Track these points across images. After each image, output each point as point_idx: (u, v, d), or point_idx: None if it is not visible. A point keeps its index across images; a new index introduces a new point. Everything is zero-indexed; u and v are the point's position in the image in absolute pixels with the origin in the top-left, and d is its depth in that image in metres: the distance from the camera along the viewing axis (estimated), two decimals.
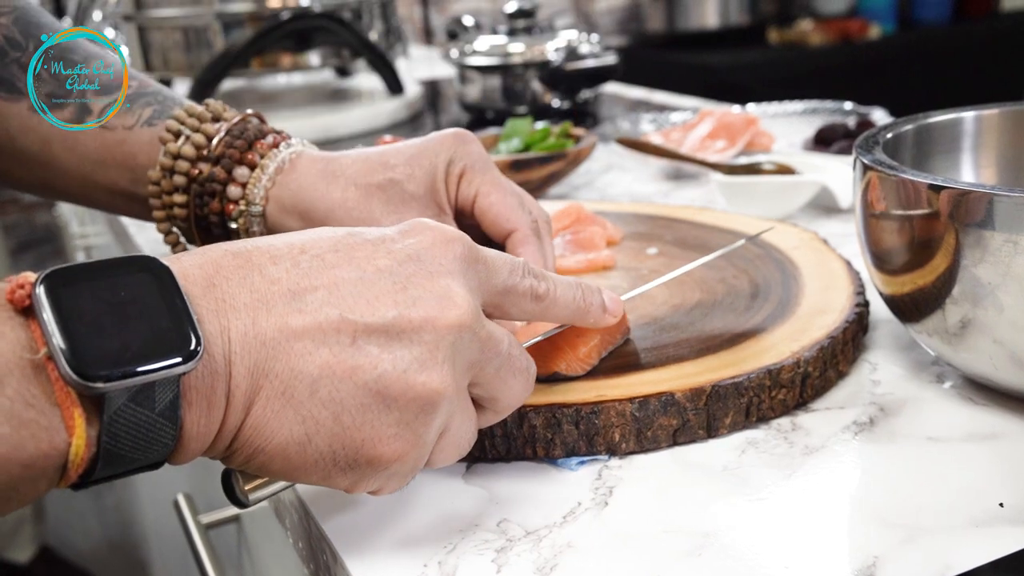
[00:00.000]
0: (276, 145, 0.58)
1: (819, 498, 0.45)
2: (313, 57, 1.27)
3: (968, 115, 0.60)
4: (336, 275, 0.37)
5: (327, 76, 1.58)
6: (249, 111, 0.61)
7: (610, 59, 1.21)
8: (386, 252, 0.39)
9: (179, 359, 0.32)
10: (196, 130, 0.58)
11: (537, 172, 0.90)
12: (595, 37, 1.29)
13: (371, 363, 0.36)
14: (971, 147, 0.59)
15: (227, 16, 1.22)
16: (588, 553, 0.42)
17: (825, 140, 0.92)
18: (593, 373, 0.52)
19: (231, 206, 0.58)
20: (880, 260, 0.53)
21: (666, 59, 3.17)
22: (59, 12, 1.96)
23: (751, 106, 1.13)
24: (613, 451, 0.49)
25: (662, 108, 1.32)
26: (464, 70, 1.30)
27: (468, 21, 1.43)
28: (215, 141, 0.57)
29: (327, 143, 1.27)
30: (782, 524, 0.43)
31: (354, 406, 0.36)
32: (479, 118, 1.31)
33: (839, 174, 0.81)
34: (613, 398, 0.49)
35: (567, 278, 0.46)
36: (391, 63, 1.32)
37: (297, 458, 0.36)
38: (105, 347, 0.31)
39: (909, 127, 0.58)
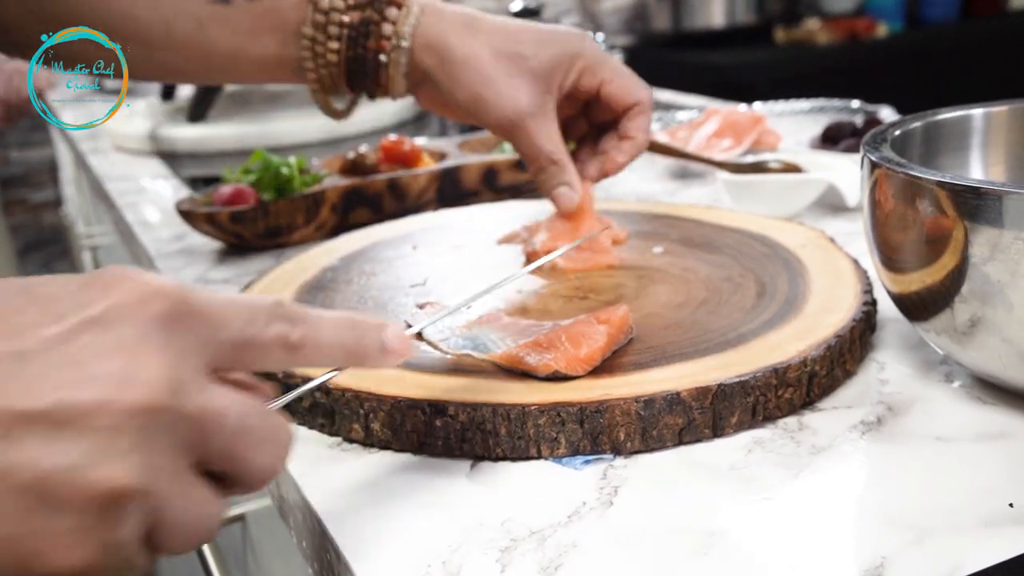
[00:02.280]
0: None
1: (826, 498, 0.44)
2: None
3: (977, 112, 0.59)
4: None
5: None
6: None
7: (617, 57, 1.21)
8: (57, 316, 0.31)
9: None
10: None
11: None
12: (600, 36, 1.29)
13: (30, 459, 0.29)
14: (980, 144, 0.59)
15: None
16: (593, 553, 0.42)
17: (832, 138, 0.91)
18: (596, 371, 0.52)
19: (384, 42, 0.65)
20: (888, 258, 0.53)
21: (672, 59, 3.17)
22: None
23: (757, 104, 1.12)
24: (618, 450, 0.49)
25: (668, 107, 1.32)
26: None
27: None
28: None
29: (332, 143, 1.27)
30: (789, 524, 0.43)
31: (13, 512, 0.29)
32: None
33: (846, 172, 0.81)
34: (618, 397, 0.49)
35: (340, 315, 0.39)
36: None
37: None
38: None
39: (917, 124, 0.57)
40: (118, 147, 1.34)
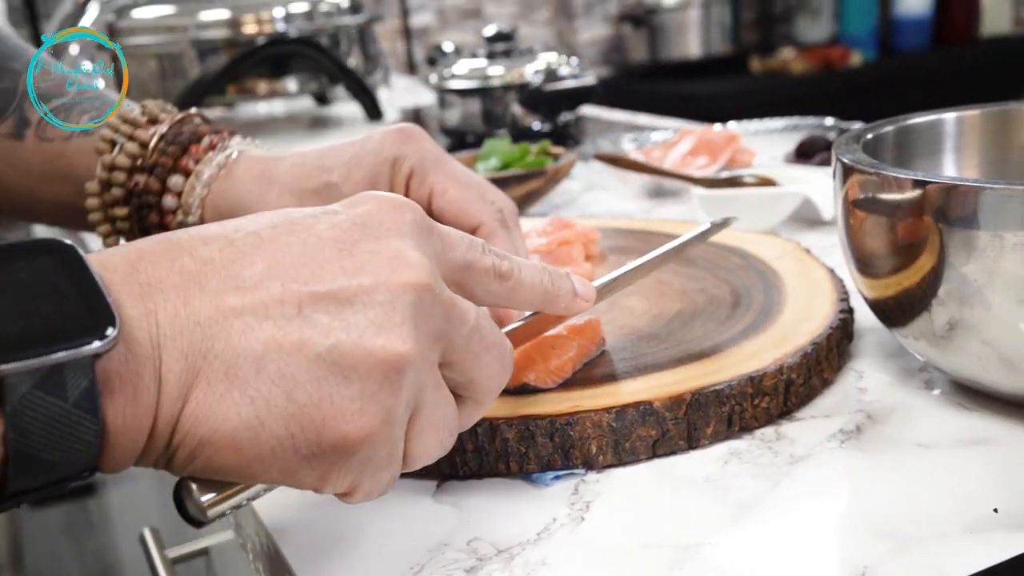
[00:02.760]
0: (213, 147, 0.56)
1: (805, 508, 0.43)
2: (290, 83, 1.26)
3: (949, 116, 0.58)
4: (275, 248, 0.34)
5: (307, 104, 1.57)
6: (192, 110, 0.58)
7: (589, 79, 1.21)
8: (329, 223, 0.36)
9: (89, 340, 0.29)
10: (130, 137, 0.55)
11: (515, 191, 0.89)
12: (575, 60, 1.29)
13: (321, 332, 0.33)
14: (953, 148, 0.58)
15: (203, 43, 1.21)
16: (563, 570, 0.40)
17: (806, 153, 0.91)
18: (567, 384, 0.50)
19: (169, 217, 0.55)
20: (863, 263, 0.51)
21: (649, 89, 3.19)
22: (36, 37, 1.95)
23: (732, 123, 1.12)
24: (590, 464, 0.47)
25: (642, 128, 1.31)
26: (444, 94, 1.29)
27: (448, 47, 1.43)
28: (150, 148, 0.55)
29: None
30: (767, 536, 0.41)
31: (308, 381, 0.32)
32: (459, 142, 1.29)
33: (821, 186, 0.80)
34: (589, 408, 0.47)
35: (535, 262, 0.43)
36: (369, 89, 1.31)
37: (251, 447, 0.32)
38: (2, 331, 0.28)
39: (889, 128, 0.56)
40: None
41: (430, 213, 0.53)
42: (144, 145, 0.55)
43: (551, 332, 0.52)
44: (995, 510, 0.41)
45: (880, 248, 0.49)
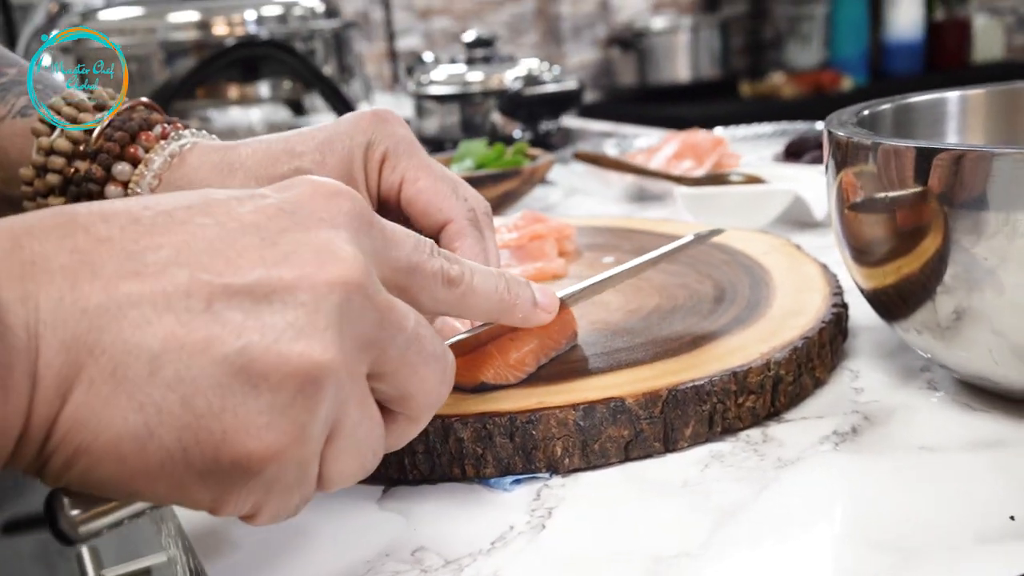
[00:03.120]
0: (165, 136, 0.50)
1: (795, 517, 0.38)
2: (262, 88, 1.21)
3: (952, 95, 0.54)
4: (187, 231, 0.29)
5: (283, 114, 1.52)
6: (143, 99, 0.53)
7: (571, 84, 1.16)
8: (253, 207, 0.31)
9: None
10: (73, 120, 0.50)
11: (490, 191, 0.84)
12: (557, 68, 1.25)
13: (232, 332, 0.28)
14: (956, 130, 0.53)
15: (171, 45, 1.16)
16: None
17: (796, 152, 0.86)
18: (531, 379, 0.45)
19: None
20: (859, 251, 0.47)
21: (638, 112, 3.15)
22: (11, 44, 1.90)
23: (719, 129, 1.08)
24: (555, 468, 0.42)
25: (627, 137, 1.27)
26: (422, 101, 1.25)
27: (428, 57, 1.39)
28: (95, 134, 0.49)
29: None
30: (751, 547, 0.36)
31: (210, 387, 0.28)
32: (437, 151, 1.25)
33: (812, 184, 0.75)
34: (553, 405, 0.42)
35: (491, 268, 0.40)
36: (344, 96, 1.26)
37: (135, 459, 0.28)
38: None
39: (887, 106, 0.52)
40: None
41: (399, 202, 0.49)
42: (89, 131, 0.50)
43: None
44: (1011, 518, 0.36)
45: (877, 231, 0.44)
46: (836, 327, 0.50)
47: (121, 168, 0.49)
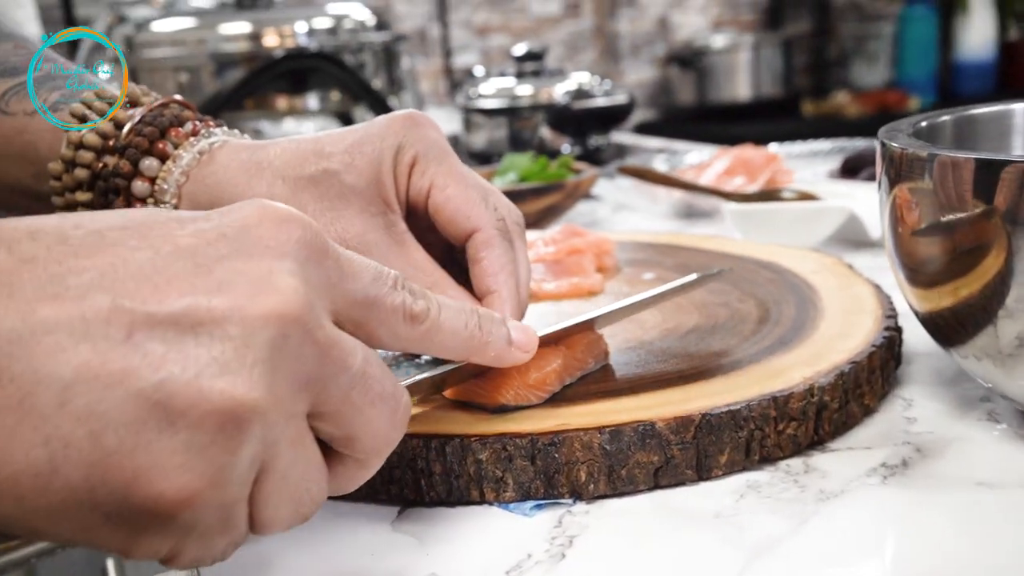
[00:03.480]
0: (195, 133, 0.49)
1: (836, 552, 0.35)
2: (311, 100, 1.21)
3: (1019, 107, 0.50)
4: (117, 253, 0.28)
5: (333, 127, 1.52)
6: (176, 96, 0.52)
7: (621, 98, 1.14)
8: (193, 230, 0.29)
9: None
10: (103, 115, 0.49)
11: (532, 205, 0.82)
12: (608, 82, 1.22)
13: (150, 364, 0.26)
14: (1023, 146, 0.50)
15: (221, 56, 1.17)
16: None
17: (852, 168, 0.82)
18: (555, 399, 0.43)
19: (138, 204, 0.48)
20: (913, 271, 0.43)
21: (696, 131, 3.11)
22: (72, 54, 1.94)
23: (773, 144, 1.04)
24: (579, 494, 0.40)
25: (677, 153, 1.24)
26: (470, 115, 1.24)
27: (478, 71, 1.37)
28: (125, 129, 0.49)
29: None
30: None
31: (123, 423, 0.26)
32: (483, 165, 1.24)
33: (868, 201, 0.71)
34: (578, 427, 0.39)
35: (462, 304, 0.37)
36: (392, 109, 1.25)
37: (37, 498, 0.26)
38: None
39: (947, 118, 0.49)
40: None
41: (425, 209, 0.47)
42: (119, 126, 0.49)
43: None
44: None
45: (934, 249, 0.41)
46: (888, 352, 0.47)
47: (149, 163, 0.48)
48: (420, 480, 0.40)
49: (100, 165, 0.49)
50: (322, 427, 0.31)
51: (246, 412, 0.27)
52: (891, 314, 0.50)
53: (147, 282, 0.27)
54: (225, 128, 0.51)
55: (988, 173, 0.37)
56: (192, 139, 0.49)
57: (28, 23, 1.90)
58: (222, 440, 0.27)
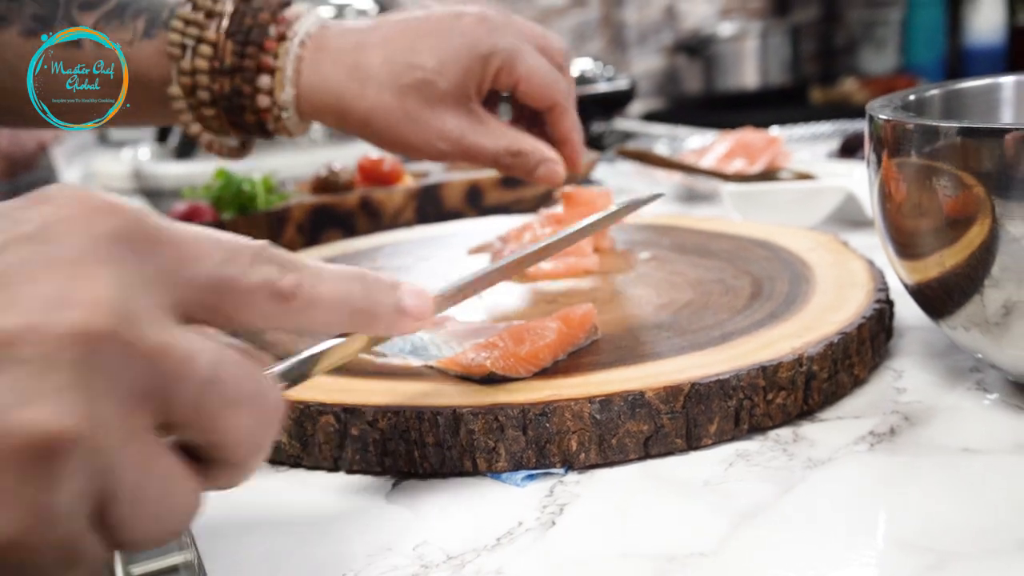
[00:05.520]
0: (282, 38, 0.56)
1: (823, 517, 0.35)
2: None
3: (1007, 81, 0.50)
4: None
5: None
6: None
7: (623, 84, 1.14)
8: None
9: None
10: (199, 39, 0.55)
11: (529, 190, 0.82)
12: (611, 68, 1.22)
13: None
14: (1013, 118, 0.50)
15: None
16: None
17: (851, 148, 0.83)
18: (549, 373, 0.43)
19: (265, 114, 0.56)
20: (902, 243, 0.44)
21: (704, 119, 3.11)
22: None
23: (774, 128, 1.04)
24: (570, 463, 0.40)
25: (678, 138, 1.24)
26: None
27: None
28: (223, 50, 0.55)
29: None
30: (774, 548, 0.33)
31: None
32: None
33: (866, 181, 0.72)
34: (569, 397, 0.40)
35: (345, 267, 0.33)
36: None
37: None
38: None
39: (935, 92, 0.49)
40: (105, 187, 1.30)
41: (515, 94, 0.58)
42: (213, 44, 0.55)
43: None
44: None
45: (920, 220, 0.41)
46: (878, 324, 0.47)
47: (263, 80, 0.55)
48: (413, 452, 0.41)
49: (218, 87, 0.55)
50: (183, 435, 0.27)
51: (58, 443, 0.23)
52: (882, 287, 0.50)
53: None
54: (293, 17, 0.56)
55: (971, 141, 0.38)
56: (284, 44, 0.55)
57: None
58: (36, 479, 0.23)
